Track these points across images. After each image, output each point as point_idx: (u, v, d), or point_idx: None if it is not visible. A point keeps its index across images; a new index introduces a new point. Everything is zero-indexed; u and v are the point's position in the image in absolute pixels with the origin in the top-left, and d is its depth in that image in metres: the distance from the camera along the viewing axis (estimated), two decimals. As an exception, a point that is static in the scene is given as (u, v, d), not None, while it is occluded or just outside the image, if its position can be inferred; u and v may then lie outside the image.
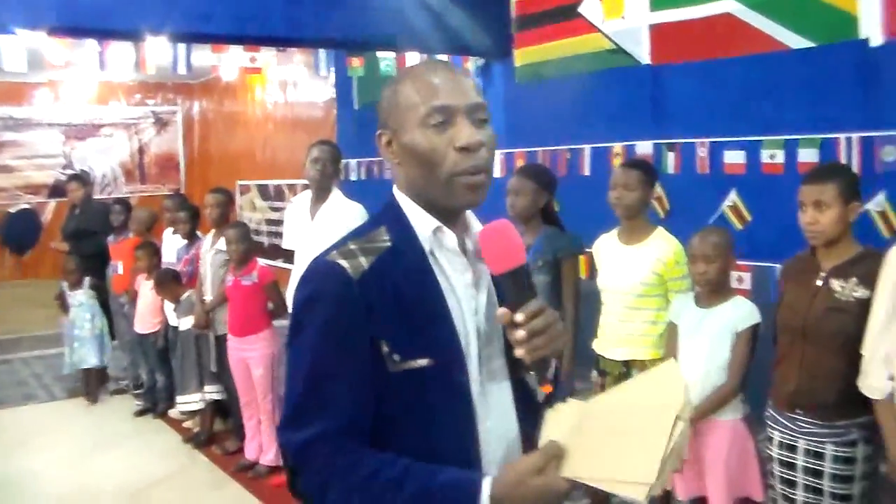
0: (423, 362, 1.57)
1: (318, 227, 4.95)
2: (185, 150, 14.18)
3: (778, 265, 4.92)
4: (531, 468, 1.46)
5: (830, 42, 4.84)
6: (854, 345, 2.89)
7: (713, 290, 3.47)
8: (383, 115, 1.67)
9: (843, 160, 4.77)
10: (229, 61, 6.66)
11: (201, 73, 9.74)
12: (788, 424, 3.08)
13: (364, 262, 1.58)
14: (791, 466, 3.07)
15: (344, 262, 1.58)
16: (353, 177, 9.20)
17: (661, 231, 3.80)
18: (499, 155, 7.40)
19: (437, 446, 1.57)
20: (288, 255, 10.57)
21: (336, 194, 5.06)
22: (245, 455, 5.55)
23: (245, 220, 10.81)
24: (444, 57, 7.34)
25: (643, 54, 5.94)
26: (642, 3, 5.86)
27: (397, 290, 1.58)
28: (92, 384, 7.28)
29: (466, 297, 1.65)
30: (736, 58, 5.37)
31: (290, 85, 10.89)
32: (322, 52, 6.74)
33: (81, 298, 7.16)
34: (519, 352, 1.54)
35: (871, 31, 4.62)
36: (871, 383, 2.83)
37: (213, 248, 5.79)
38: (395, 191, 1.70)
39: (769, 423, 3.19)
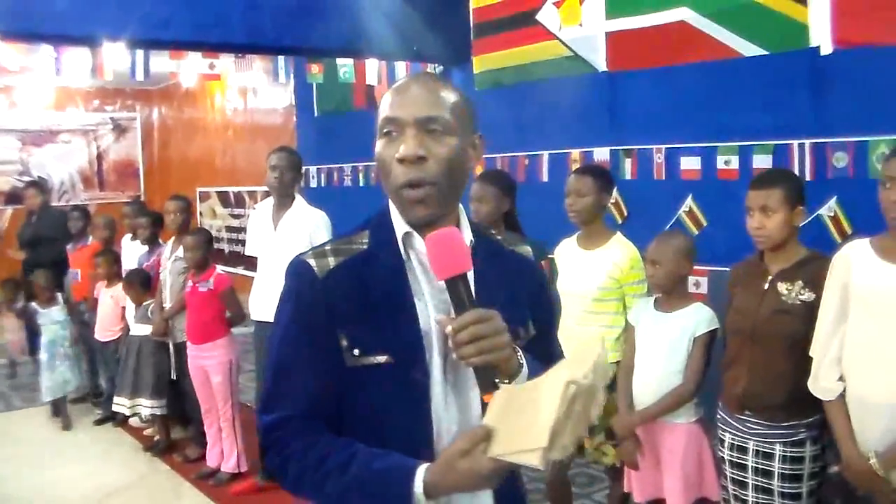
0: (381, 359, 1.65)
1: (280, 235, 4.96)
2: (144, 157, 14.05)
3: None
4: (458, 452, 1.51)
5: (782, 50, 4.92)
6: (801, 347, 2.95)
7: (668, 294, 3.52)
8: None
9: (795, 166, 4.86)
10: (188, 68, 6.63)
11: (160, 80, 9.69)
12: (738, 426, 3.13)
13: (332, 261, 1.69)
14: (742, 467, 3.12)
15: (312, 262, 1.70)
16: (313, 184, 9.20)
17: (618, 236, 3.85)
18: (457, 161, 7.42)
19: (392, 442, 1.63)
20: (249, 263, 10.51)
21: (299, 201, 5.07)
22: (206, 462, 5.54)
23: (206, 226, 10.75)
24: (401, 64, 7.39)
25: (600, 61, 5.99)
26: (599, 10, 5.91)
27: (363, 288, 1.67)
28: (64, 406, 6.90)
29: (436, 301, 1.69)
30: (690, 65, 5.44)
31: (250, 91, 10.84)
32: (281, 59, 6.74)
33: (58, 316, 6.83)
34: (453, 356, 1.59)
35: (822, 39, 4.70)
36: (822, 385, 2.88)
37: (172, 256, 5.76)
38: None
39: (720, 425, 3.24)
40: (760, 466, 3.06)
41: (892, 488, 2.70)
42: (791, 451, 3.00)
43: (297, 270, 1.72)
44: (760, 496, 3.07)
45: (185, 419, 6.12)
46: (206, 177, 12.10)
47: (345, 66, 7.01)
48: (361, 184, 8.56)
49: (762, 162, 5.08)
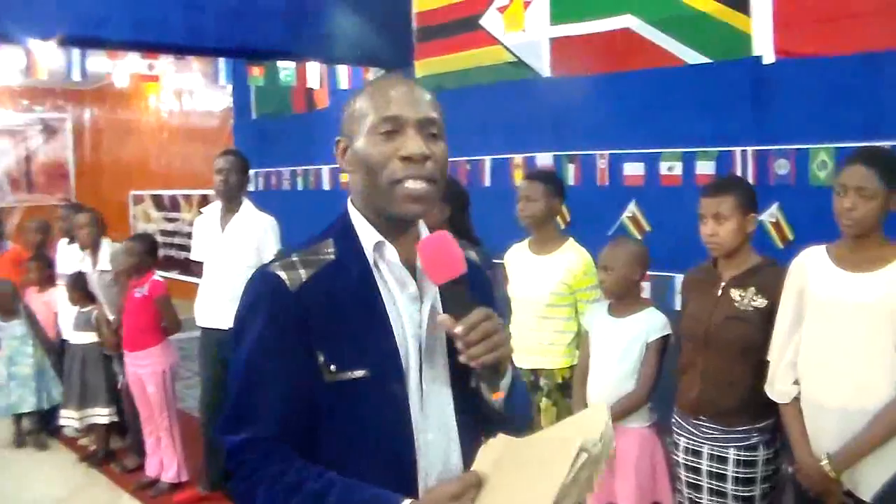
0: (359, 373, 1.60)
1: (228, 240, 4.88)
2: (75, 159, 13.73)
3: (677, 275, 5.07)
4: (447, 494, 1.47)
5: (725, 59, 4.99)
6: (754, 352, 3.00)
7: (620, 300, 3.54)
8: (342, 124, 1.72)
9: (738, 173, 4.92)
10: (126, 68, 6.47)
11: (95, 80, 9.45)
12: (693, 430, 3.16)
13: (303, 274, 1.63)
14: (696, 471, 3.15)
15: (283, 274, 1.62)
16: (251, 187, 9.03)
17: (571, 242, 3.86)
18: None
19: (373, 457, 1.61)
20: (185, 267, 10.35)
21: (247, 206, 4.99)
22: (146, 472, 5.40)
23: (140, 230, 10.54)
24: (343, 67, 7.33)
25: (543, 67, 6.01)
26: (543, 16, 5.94)
27: (336, 301, 1.62)
28: (24, 428, 6.39)
29: (409, 311, 1.67)
30: (634, 72, 5.49)
31: (186, 93, 10.67)
32: (222, 61, 6.62)
33: (18, 331, 6.21)
34: (462, 358, 1.57)
35: (764, 49, 4.78)
36: (778, 388, 2.93)
37: (95, 270, 5.64)
38: (349, 203, 1.74)
39: (675, 429, 3.27)
40: (714, 470, 3.09)
41: (842, 489, 2.75)
42: (745, 455, 3.04)
43: (266, 283, 1.64)
44: (714, 499, 3.11)
45: (122, 428, 5.96)
46: (140, 180, 11.88)
47: (286, 68, 6.92)
48: (300, 187, 8.47)
49: (705, 168, 5.14)
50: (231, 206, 4.94)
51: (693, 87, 5.27)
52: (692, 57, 5.15)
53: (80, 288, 5.83)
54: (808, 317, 2.84)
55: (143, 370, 5.13)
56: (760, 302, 3.01)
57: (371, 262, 1.66)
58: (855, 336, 2.72)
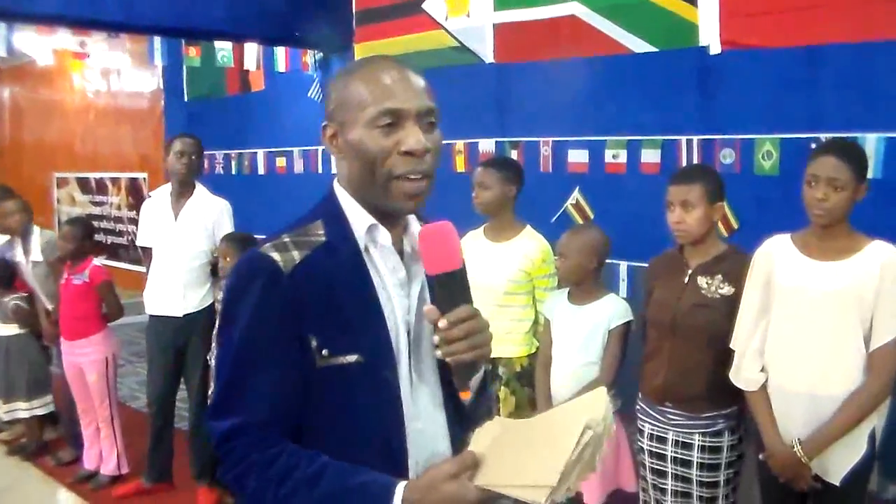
0: (351, 358, 1.57)
1: (182, 225, 4.75)
2: (-7, 139, 13.28)
3: (622, 262, 5.14)
4: (444, 474, 1.46)
5: (671, 48, 5.03)
6: (720, 340, 3.02)
7: (576, 287, 3.55)
8: (330, 107, 1.65)
9: (683, 161, 4.99)
10: (56, 45, 6.26)
11: (20, 57, 9.10)
12: (658, 417, 3.18)
13: (296, 255, 1.58)
14: (661, 457, 3.17)
15: (276, 255, 1.58)
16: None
17: (529, 229, 3.85)
18: (336, 152, 7.32)
19: (363, 444, 1.59)
20: (113, 253, 10.10)
21: (200, 190, 4.86)
22: (83, 465, 5.23)
23: (64, 214, 10.24)
24: (280, 49, 7.22)
25: (487, 53, 5.98)
26: (487, 2, 5.90)
27: (329, 285, 1.58)
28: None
29: (399, 296, 1.65)
30: (579, 59, 5.51)
31: (114, 73, 10.37)
32: (157, 41, 6.45)
33: None
34: (438, 353, 1.57)
35: (710, 39, 4.82)
36: (745, 376, 2.96)
37: (28, 261, 5.45)
38: (335, 184, 1.69)
39: (640, 415, 3.29)
40: (679, 456, 3.12)
41: (812, 473, 2.80)
42: (710, 441, 3.07)
43: (259, 265, 1.58)
44: (679, 485, 3.14)
45: (53, 418, 5.78)
46: (64, 162, 11.52)
47: (223, 49, 6.79)
48: (234, 171, 8.33)
49: (650, 157, 5.20)
50: (184, 190, 4.81)
51: (639, 76, 5.31)
52: (638, 45, 5.18)
53: (2, 277, 5.60)
54: (775, 305, 2.89)
55: (84, 358, 4.96)
56: (727, 290, 3.04)
57: (362, 245, 1.63)
58: (822, 323, 2.77)
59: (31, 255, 5.46)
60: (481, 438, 1.54)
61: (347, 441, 1.58)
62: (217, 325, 1.70)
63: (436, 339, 1.55)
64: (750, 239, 3.20)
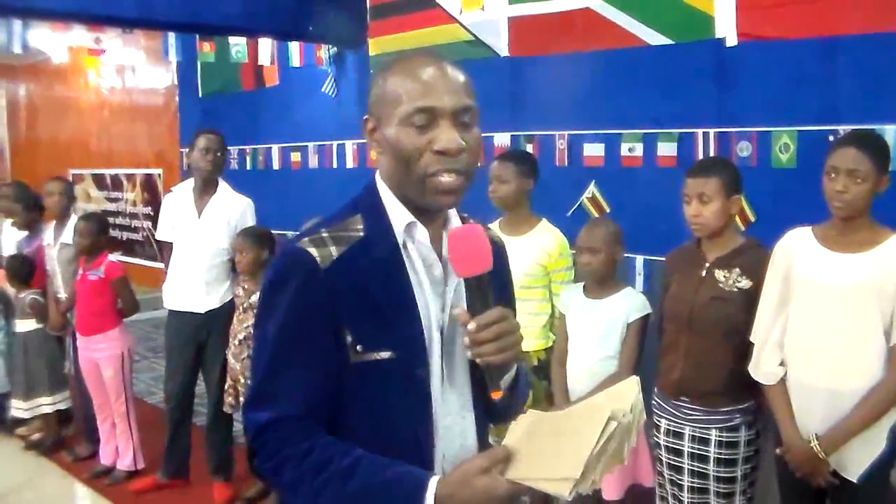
0: (384, 355, 1.59)
1: (206, 223, 4.75)
2: (10, 137, 13.30)
3: (638, 256, 5.11)
4: (477, 468, 1.47)
5: (688, 40, 4.99)
6: (738, 334, 3.01)
7: (600, 282, 3.53)
8: (371, 101, 1.66)
9: (700, 154, 4.96)
10: (71, 42, 6.27)
11: (33, 54, 9.12)
12: (674, 412, 3.16)
13: (334, 251, 1.59)
14: (678, 453, 3.15)
15: (313, 250, 1.59)
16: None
17: (545, 223, 3.83)
18: (351, 146, 7.32)
19: (393, 440, 1.60)
20: (128, 248, 10.13)
21: (223, 187, 4.86)
22: (100, 460, 5.23)
23: (79, 210, 10.25)
24: (295, 45, 7.21)
25: (502, 46, 5.95)
26: (502, -5, 5.88)
27: (365, 281, 1.60)
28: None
29: (434, 294, 1.66)
30: (595, 52, 5.47)
31: (129, 70, 10.38)
32: (171, 37, 6.45)
33: None
34: (468, 354, 1.58)
35: (727, 31, 4.78)
36: (764, 370, 2.94)
37: (57, 243, 5.43)
38: (377, 177, 1.70)
39: (656, 410, 3.26)
40: (696, 451, 3.10)
41: (829, 469, 2.78)
42: (727, 437, 3.05)
43: (296, 259, 1.60)
44: (696, 480, 3.12)
45: (68, 414, 5.78)
46: (79, 158, 11.56)
47: (237, 45, 6.78)
48: (249, 167, 8.33)
49: (666, 150, 5.17)
50: (207, 187, 4.80)
51: (655, 69, 5.28)
52: (654, 38, 5.14)
53: (19, 271, 5.61)
54: (795, 298, 2.86)
55: (100, 354, 4.97)
56: (745, 283, 3.02)
57: (400, 241, 1.64)
58: (842, 317, 2.74)
59: (61, 238, 5.43)
60: (515, 431, 1.55)
61: (377, 435, 1.60)
62: (255, 319, 1.70)
63: (466, 340, 1.56)
64: (767, 232, 3.18)
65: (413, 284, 1.63)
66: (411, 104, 1.56)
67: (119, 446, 5.11)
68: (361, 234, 1.63)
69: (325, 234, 1.62)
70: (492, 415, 1.76)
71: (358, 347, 1.58)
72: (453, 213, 1.71)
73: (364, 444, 1.57)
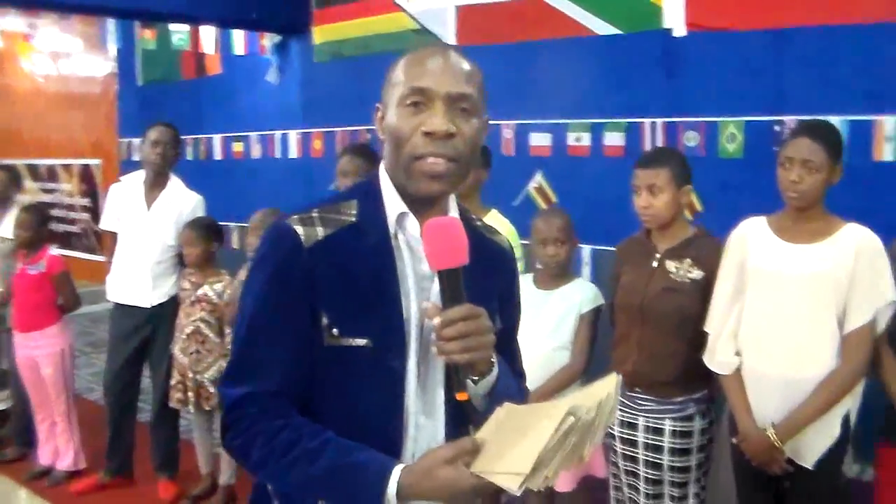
0: (360, 342, 1.58)
1: (154, 217, 4.63)
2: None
3: (585, 246, 5.12)
4: (441, 458, 1.44)
5: (636, 30, 5.01)
6: (690, 324, 3.01)
7: (559, 273, 3.51)
8: (382, 90, 1.66)
9: (647, 144, 4.98)
10: (5, 26, 6.08)
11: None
12: (628, 403, 3.15)
13: (320, 231, 1.59)
14: (632, 443, 3.15)
15: (299, 228, 1.59)
16: (136, 157, 8.75)
17: (494, 213, 3.79)
18: (294, 136, 7.24)
19: (361, 431, 1.56)
20: (65, 241, 9.88)
21: (175, 182, 4.74)
22: (39, 460, 5.06)
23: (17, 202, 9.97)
24: (238, 32, 7.09)
25: (448, 35, 5.94)
26: (449, -17, 5.85)
27: (349, 265, 1.59)
28: None
29: (419, 288, 1.63)
30: (543, 41, 5.47)
31: (64, 57, 10.11)
32: (111, 23, 6.29)
33: None
34: (432, 349, 1.55)
35: (675, 22, 4.82)
36: (719, 359, 2.94)
37: None
38: (381, 167, 1.69)
39: (610, 401, 3.24)
40: (650, 442, 3.09)
41: (785, 457, 2.80)
42: (681, 426, 3.05)
43: (280, 235, 1.59)
44: (650, 471, 3.12)
45: (5, 415, 5.60)
46: (12, 148, 11.19)
47: (179, 32, 6.64)
48: (190, 157, 8.18)
49: (614, 139, 5.19)
50: (158, 180, 4.69)
51: (603, 59, 5.29)
52: (602, 28, 5.17)
53: None
54: (750, 288, 2.87)
55: (39, 351, 4.81)
56: (696, 274, 3.02)
57: (392, 231, 1.62)
58: (798, 306, 2.76)
59: (1, 230, 5.25)
60: (490, 423, 1.51)
61: (346, 424, 1.57)
62: (241, 292, 1.68)
63: (433, 336, 1.53)
64: (714, 221, 3.19)
65: (399, 276, 1.61)
66: (407, 84, 1.56)
67: (59, 446, 4.96)
68: (354, 219, 1.62)
69: (315, 214, 1.61)
70: (468, 422, 1.70)
71: (334, 331, 1.57)
72: (454, 207, 1.68)
73: (334, 428, 1.55)
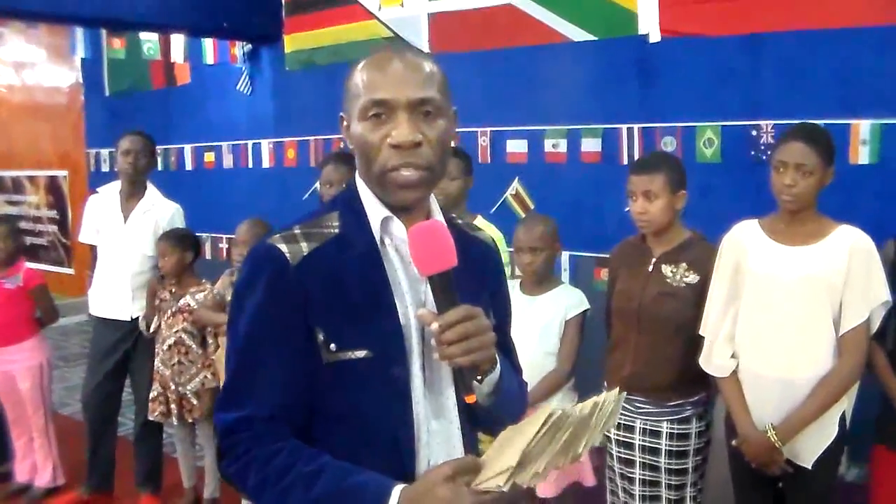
0: (359, 354, 1.54)
1: (131, 228, 4.56)
2: None
3: (563, 252, 5.14)
4: (441, 477, 1.42)
5: (611, 37, 5.05)
6: (686, 328, 3.03)
7: (540, 280, 3.51)
8: (343, 98, 1.63)
9: (624, 150, 5.03)
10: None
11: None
12: (626, 406, 3.15)
13: (305, 247, 1.56)
14: (629, 446, 3.16)
15: (283, 247, 1.55)
16: (104, 168, 8.69)
17: (480, 219, 3.78)
18: (266, 145, 7.20)
19: (371, 443, 1.55)
20: (31, 254, 9.74)
21: (151, 192, 4.67)
22: (16, 477, 4.95)
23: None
24: (209, 41, 7.05)
25: (422, 43, 5.94)
26: (421, -9, 5.86)
27: (339, 277, 1.56)
28: None
29: (413, 291, 1.60)
30: (518, 48, 5.50)
31: (28, 67, 9.98)
32: (79, 32, 6.22)
33: None
34: (435, 355, 1.53)
35: (650, 28, 4.88)
36: (716, 362, 2.97)
37: None
38: (356, 175, 1.66)
39: (606, 405, 3.25)
40: (648, 444, 3.11)
41: (783, 458, 2.83)
42: (678, 429, 3.07)
43: (266, 256, 1.56)
44: (647, 473, 3.13)
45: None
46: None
47: (149, 41, 6.58)
48: (160, 167, 8.10)
49: (590, 145, 5.23)
50: (134, 190, 4.62)
51: (578, 65, 5.33)
52: (577, 34, 5.21)
53: None
54: (746, 291, 2.89)
55: (15, 365, 4.70)
56: (692, 278, 3.04)
57: (377, 238, 1.60)
58: (793, 308, 2.79)
59: None
60: (494, 443, 1.50)
61: (355, 439, 1.55)
62: (228, 317, 1.65)
63: (433, 342, 1.52)
64: (692, 226, 3.21)
65: (391, 282, 1.58)
66: (366, 97, 1.54)
67: (37, 462, 4.86)
68: (336, 230, 1.60)
69: (297, 231, 1.59)
70: (477, 422, 1.70)
71: (331, 346, 1.53)
72: (436, 209, 1.67)
73: (342, 447, 1.53)
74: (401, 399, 1.57)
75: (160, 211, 4.64)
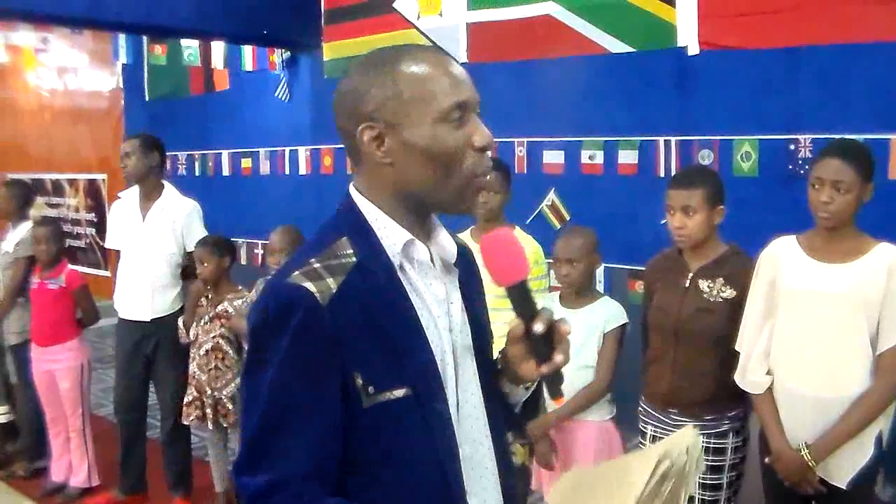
0: (398, 393, 1.42)
1: (150, 227, 4.60)
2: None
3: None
4: None
5: (649, 49, 5.05)
6: (724, 344, 3.01)
7: (578, 292, 3.51)
8: (369, 108, 1.46)
9: (661, 162, 5.02)
10: (18, 41, 6.10)
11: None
12: (662, 418, 3.15)
13: (332, 283, 1.41)
14: (664, 460, 3.14)
15: (309, 285, 1.39)
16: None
17: (519, 231, 3.79)
18: (304, 153, 7.26)
19: (418, 483, 1.45)
20: (71, 256, 9.88)
21: (169, 190, 4.69)
22: (52, 477, 5.03)
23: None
24: (248, 48, 7.12)
25: (460, 53, 5.95)
26: (460, 1, 5.88)
27: (369, 312, 1.42)
28: None
29: (440, 314, 1.51)
30: (555, 59, 5.51)
31: (71, 72, 10.12)
32: (121, 38, 6.32)
33: None
34: (544, 368, 1.50)
35: (689, 40, 4.85)
36: (751, 379, 2.95)
37: (2, 250, 5.25)
38: (355, 195, 1.52)
39: (642, 416, 3.25)
40: (684, 459, 3.08)
41: (816, 477, 2.80)
42: (714, 443, 3.05)
43: (292, 297, 1.39)
44: (682, 489, 3.11)
45: (13, 431, 5.55)
46: (17, 162, 11.20)
47: (189, 47, 6.67)
48: (198, 173, 8.21)
49: (627, 157, 5.23)
50: (149, 191, 4.65)
51: (616, 77, 5.34)
52: (615, 46, 5.19)
53: None
54: (782, 307, 2.88)
55: (58, 365, 4.80)
56: (729, 293, 3.02)
57: (396, 263, 1.48)
58: (830, 326, 2.77)
59: (3, 245, 5.23)
60: (558, 488, 1.49)
61: (401, 482, 1.44)
62: (243, 368, 1.50)
63: (529, 352, 1.52)
64: (729, 240, 3.19)
65: (417, 309, 1.48)
66: (448, 99, 1.43)
67: (73, 462, 4.94)
68: (354, 259, 1.45)
69: (317, 266, 1.42)
70: (510, 427, 1.68)
71: (370, 389, 1.40)
72: (438, 223, 1.58)
73: (387, 491, 1.43)
74: (445, 434, 1.48)
75: (177, 208, 4.66)
